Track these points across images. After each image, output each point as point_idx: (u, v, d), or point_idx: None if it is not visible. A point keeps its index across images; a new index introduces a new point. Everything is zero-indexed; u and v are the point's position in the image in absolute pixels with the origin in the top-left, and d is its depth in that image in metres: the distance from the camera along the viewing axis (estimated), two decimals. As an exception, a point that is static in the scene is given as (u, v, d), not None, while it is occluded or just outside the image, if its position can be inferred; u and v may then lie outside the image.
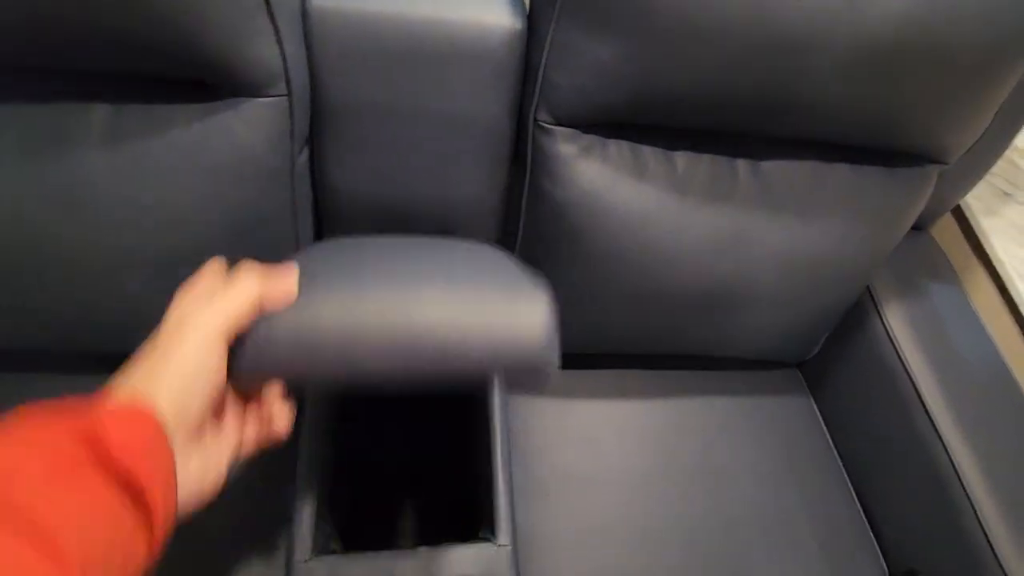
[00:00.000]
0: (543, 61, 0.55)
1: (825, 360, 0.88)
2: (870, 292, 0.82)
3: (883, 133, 0.62)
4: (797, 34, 0.49)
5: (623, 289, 0.65)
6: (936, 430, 0.71)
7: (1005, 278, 0.86)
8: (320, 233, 0.69)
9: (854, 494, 0.82)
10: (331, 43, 0.53)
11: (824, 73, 0.53)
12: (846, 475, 0.84)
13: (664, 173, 0.62)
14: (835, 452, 0.86)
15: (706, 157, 0.63)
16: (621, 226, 0.61)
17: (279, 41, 0.49)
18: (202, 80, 0.50)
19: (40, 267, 0.53)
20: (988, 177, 0.96)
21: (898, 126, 0.61)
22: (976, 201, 0.93)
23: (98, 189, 0.51)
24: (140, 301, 0.56)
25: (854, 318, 0.83)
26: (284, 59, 0.50)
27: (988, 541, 0.64)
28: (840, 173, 0.66)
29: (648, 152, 0.62)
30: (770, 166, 0.65)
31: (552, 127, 0.58)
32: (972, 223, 0.91)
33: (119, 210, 0.52)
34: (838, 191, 0.66)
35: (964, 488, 0.67)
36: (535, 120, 0.58)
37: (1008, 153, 0.99)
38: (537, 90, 0.56)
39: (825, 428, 0.88)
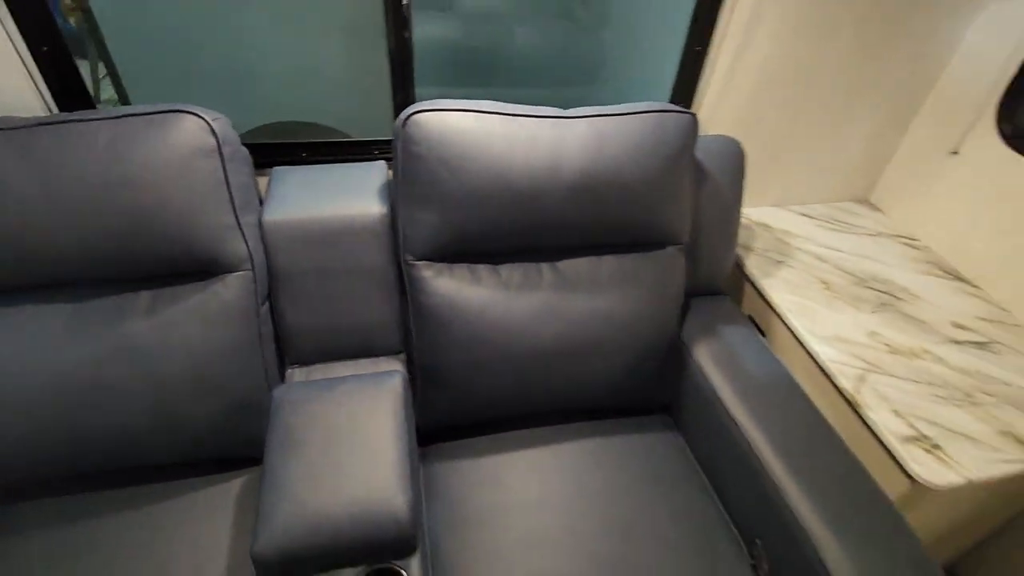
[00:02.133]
0: (400, 226, 0.94)
1: (678, 402, 1.17)
2: (685, 343, 1.14)
3: (624, 232, 1.01)
4: (529, 189, 0.90)
5: (482, 358, 0.97)
6: (740, 429, 0.97)
7: (782, 315, 1.19)
8: (282, 356, 1.02)
9: (715, 497, 1.04)
10: (278, 237, 0.93)
11: (558, 207, 0.93)
12: (709, 485, 1.06)
13: (493, 280, 0.98)
14: (699, 470, 1.09)
15: (520, 265, 1.00)
16: (468, 315, 0.95)
17: (245, 241, 0.88)
18: (201, 268, 0.87)
19: (87, 404, 0.85)
20: (765, 253, 1.35)
21: (629, 227, 1.00)
22: (756, 270, 1.30)
23: (139, 343, 0.85)
24: (158, 418, 0.87)
25: (680, 366, 1.14)
26: (249, 250, 0.89)
27: (788, 506, 0.86)
28: (609, 262, 1.03)
29: (481, 268, 0.99)
30: (563, 264, 1.02)
31: (415, 262, 0.96)
32: (755, 284, 1.27)
33: (152, 357, 0.86)
34: (611, 273, 1.02)
35: (764, 468, 0.91)
36: (405, 260, 0.96)
37: (778, 235, 1.40)
38: (402, 242, 0.95)
39: (691, 453, 1.12)
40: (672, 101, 1.28)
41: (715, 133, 1.20)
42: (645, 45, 1.36)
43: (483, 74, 1.47)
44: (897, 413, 0.98)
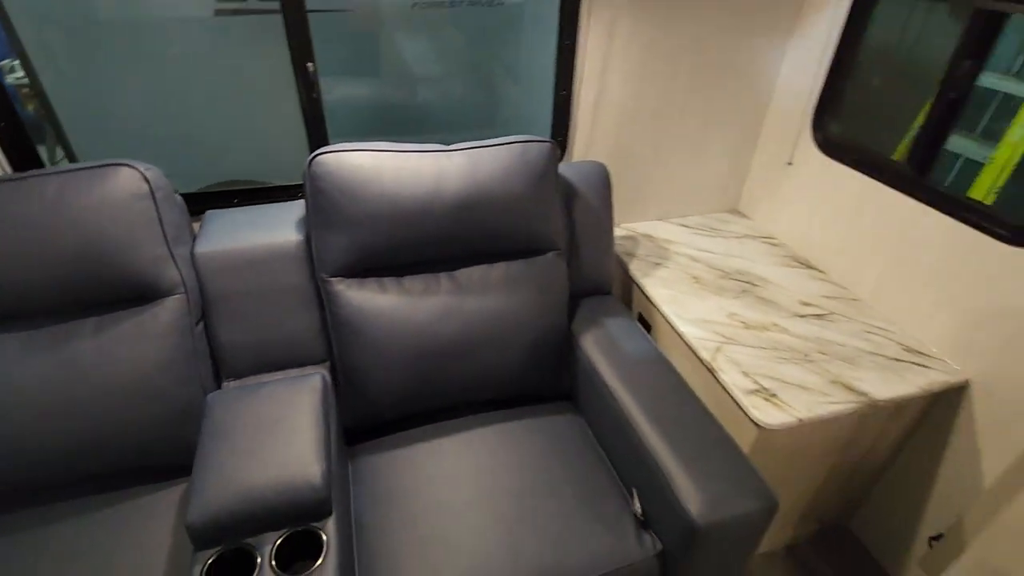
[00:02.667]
0: (315, 248, 1.12)
1: (576, 387, 1.34)
2: (575, 335, 1.33)
3: (507, 241, 1.21)
4: (416, 209, 1.10)
5: (391, 357, 1.13)
6: (617, 400, 1.15)
7: (658, 307, 1.40)
8: (218, 372, 1.16)
9: (607, 461, 1.20)
10: (208, 266, 1.10)
11: (443, 223, 1.12)
12: (602, 452, 1.23)
13: (397, 289, 1.16)
14: (595, 441, 1.25)
15: (421, 276, 1.19)
16: (376, 320, 1.12)
17: (178, 269, 1.04)
18: (140, 294, 1.03)
19: (42, 418, 0.97)
20: (647, 258, 1.57)
21: (509, 237, 1.20)
22: (639, 272, 1.51)
23: (87, 361, 0.99)
24: (106, 426, 1.00)
25: (573, 356, 1.32)
26: (182, 277, 1.05)
27: (653, 457, 1.03)
28: (500, 268, 1.22)
29: (387, 280, 1.17)
30: (459, 272, 1.21)
31: (329, 279, 1.13)
32: (638, 283, 1.48)
33: (99, 372, 0.99)
34: (500, 277, 1.21)
35: (635, 428, 1.08)
36: (320, 277, 1.14)
37: (660, 243, 1.63)
38: (316, 263, 1.13)
39: (588, 429, 1.29)
40: (553, 136, 1.52)
41: (587, 159, 1.44)
42: (533, 92, 1.61)
43: (399, 125, 1.70)
44: (745, 373, 1.18)
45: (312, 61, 1.23)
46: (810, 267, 1.55)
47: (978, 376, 1.17)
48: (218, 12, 1.35)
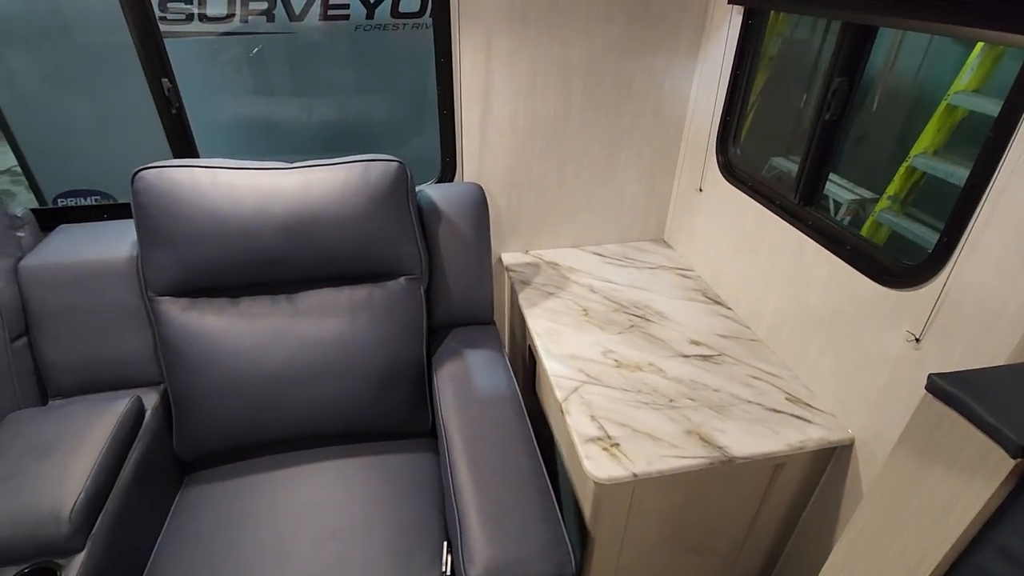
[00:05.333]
0: (140, 267, 1.09)
1: (436, 426, 1.24)
2: (434, 368, 1.24)
3: (350, 264, 1.14)
4: (241, 227, 1.05)
5: (217, 381, 1.08)
6: (447, 437, 1.06)
7: (532, 335, 1.30)
8: (44, 394, 1.13)
9: (442, 509, 1.10)
10: (32, 280, 1.08)
11: (272, 244, 1.07)
12: (443, 499, 1.12)
13: (232, 309, 1.11)
14: (440, 486, 1.16)
15: (259, 298, 1.13)
16: (201, 342, 1.07)
17: (-9, 283, 1.02)
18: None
19: None
20: (542, 287, 1.48)
21: (350, 259, 1.13)
22: (526, 301, 1.42)
23: None
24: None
25: (432, 391, 1.23)
26: (-4, 291, 1.03)
27: (462, 513, 0.94)
28: (346, 292, 1.16)
29: (221, 301, 1.12)
30: (301, 295, 1.15)
31: (157, 297, 1.09)
32: (522, 311, 1.39)
33: None
34: (344, 302, 1.15)
35: (454, 474, 0.99)
36: (148, 296, 1.10)
37: (563, 272, 1.53)
38: (145, 281, 1.09)
39: (441, 473, 1.19)
40: (442, 157, 1.46)
41: (480, 182, 1.37)
42: (425, 112, 1.56)
43: (331, 142, 1.67)
44: (593, 417, 1.06)
45: (168, 77, 1.22)
46: (718, 303, 1.42)
47: (860, 433, 1.02)
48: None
